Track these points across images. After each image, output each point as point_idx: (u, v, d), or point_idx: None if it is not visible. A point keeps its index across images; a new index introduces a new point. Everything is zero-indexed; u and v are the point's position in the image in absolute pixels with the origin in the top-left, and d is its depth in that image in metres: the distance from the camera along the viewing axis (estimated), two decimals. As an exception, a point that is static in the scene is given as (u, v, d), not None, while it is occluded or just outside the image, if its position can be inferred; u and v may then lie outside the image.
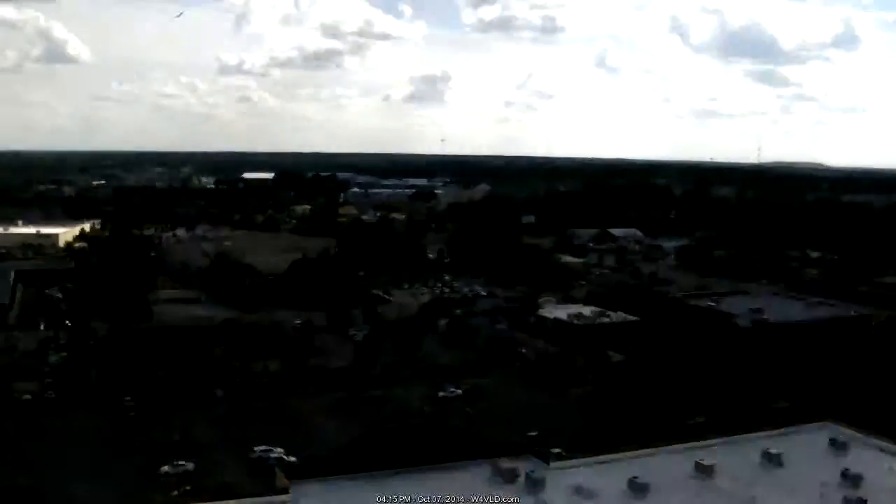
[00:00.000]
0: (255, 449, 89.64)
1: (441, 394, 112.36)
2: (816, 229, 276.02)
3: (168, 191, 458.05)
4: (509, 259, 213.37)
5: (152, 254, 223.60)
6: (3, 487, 75.85)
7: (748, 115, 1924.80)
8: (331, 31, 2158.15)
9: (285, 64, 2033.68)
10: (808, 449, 56.46)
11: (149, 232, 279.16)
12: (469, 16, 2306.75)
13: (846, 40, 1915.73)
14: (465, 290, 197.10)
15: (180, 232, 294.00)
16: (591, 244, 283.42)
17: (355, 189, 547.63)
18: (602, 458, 54.79)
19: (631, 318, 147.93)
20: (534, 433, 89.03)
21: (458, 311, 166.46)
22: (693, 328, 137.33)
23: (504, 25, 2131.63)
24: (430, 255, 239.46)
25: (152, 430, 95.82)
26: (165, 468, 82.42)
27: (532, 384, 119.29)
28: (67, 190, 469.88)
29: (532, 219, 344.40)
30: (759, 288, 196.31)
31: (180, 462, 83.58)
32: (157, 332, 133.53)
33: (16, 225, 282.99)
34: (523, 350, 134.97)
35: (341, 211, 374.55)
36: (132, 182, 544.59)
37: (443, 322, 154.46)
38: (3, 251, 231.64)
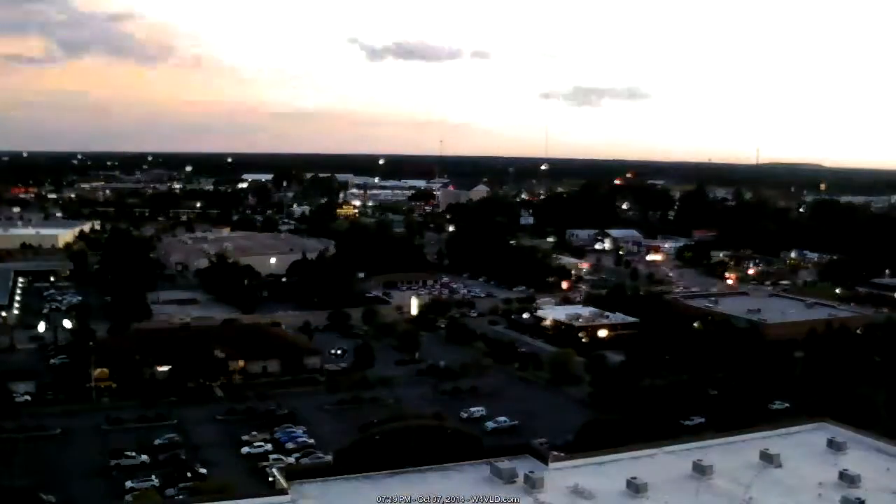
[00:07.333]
0: (253, 443, 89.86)
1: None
2: (815, 230, 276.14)
3: (168, 192, 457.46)
4: (508, 260, 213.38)
5: (152, 255, 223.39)
6: (2, 489, 75.77)
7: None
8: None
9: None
10: (805, 449, 56.43)
11: (148, 233, 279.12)
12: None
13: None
14: (464, 291, 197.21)
15: (180, 233, 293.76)
16: (589, 245, 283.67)
17: (354, 190, 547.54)
18: (600, 458, 54.74)
19: (630, 318, 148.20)
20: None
21: (456, 313, 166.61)
22: (691, 329, 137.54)
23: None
24: (429, 256, 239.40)
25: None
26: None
27: (530, 384, 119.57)
28: (67, 191, 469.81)
29: (531, 220, 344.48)
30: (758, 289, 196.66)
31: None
32: (156, 332, 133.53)
33: (15, 225, 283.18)
34: (522, 350, 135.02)
35: (340, 212, 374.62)
36: (132, 183, 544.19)
37: (442, 323, 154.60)
38: (4, 251, 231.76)
